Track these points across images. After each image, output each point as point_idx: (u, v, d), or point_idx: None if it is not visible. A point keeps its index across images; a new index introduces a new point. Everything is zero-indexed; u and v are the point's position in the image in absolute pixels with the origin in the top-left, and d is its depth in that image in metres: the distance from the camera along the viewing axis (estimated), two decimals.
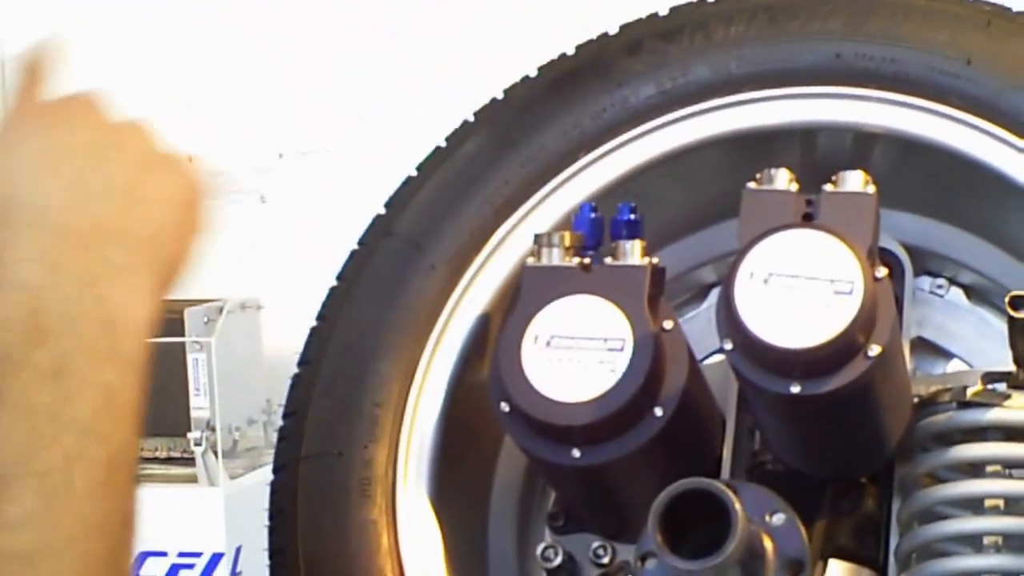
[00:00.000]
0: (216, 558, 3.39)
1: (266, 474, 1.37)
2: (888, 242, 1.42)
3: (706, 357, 1.36)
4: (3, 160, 0.89)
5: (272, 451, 1.40)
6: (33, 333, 0.83)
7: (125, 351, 0.86)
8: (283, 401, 1.41)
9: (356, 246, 1.42)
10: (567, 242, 1.24)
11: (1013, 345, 1.23)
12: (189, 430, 3.42)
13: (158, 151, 0.93)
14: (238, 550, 3.36)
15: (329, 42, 3.31)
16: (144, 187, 0.90)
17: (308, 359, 1.39)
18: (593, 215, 1.30)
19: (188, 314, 3.47)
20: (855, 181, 1.15)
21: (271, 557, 1.32)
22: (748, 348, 1.11)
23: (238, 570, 3.38)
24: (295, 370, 1.40)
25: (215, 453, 3.42)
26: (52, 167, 0.89)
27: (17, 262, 0.84)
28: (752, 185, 1.18)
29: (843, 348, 1.09)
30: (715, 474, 1.29)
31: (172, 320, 3.42)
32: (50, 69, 0.96)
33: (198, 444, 3.40)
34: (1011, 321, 1.21)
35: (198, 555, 3.41)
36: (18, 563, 0.80)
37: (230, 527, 3.36)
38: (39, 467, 0.81)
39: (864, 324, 1.10)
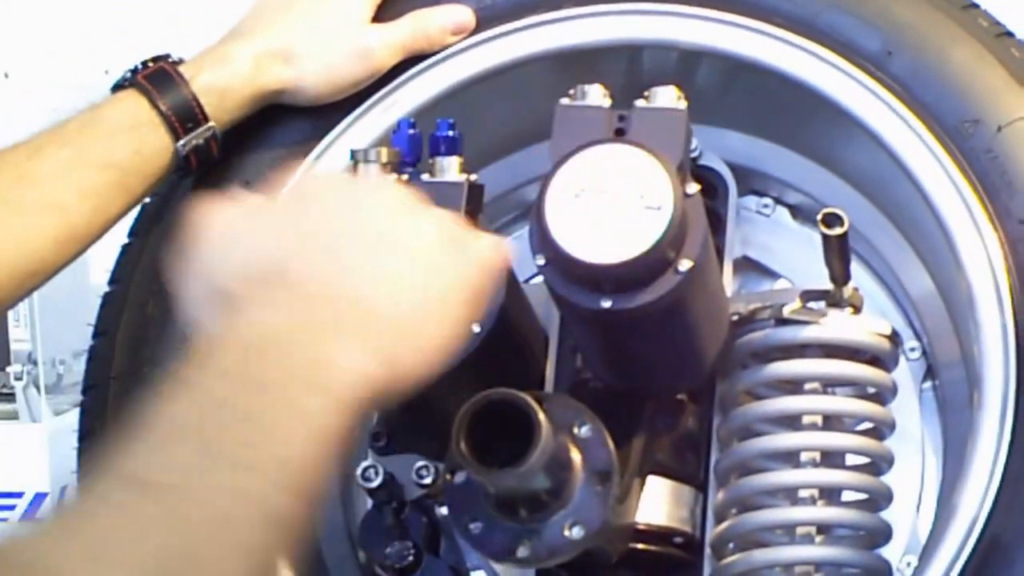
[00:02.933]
0: (39, 498, 3.38)
1: None
2: (713, 160, 1.49)
3: (531, 277, 1.41)
4: (288, 232, 0.96)
5: None
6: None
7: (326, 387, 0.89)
8: None
9: None
10: (384, 158, 1.28)
11: (828, 263, 1.31)
12: (8, 364, 3.41)
13: (446, 255, 0.98)
14: (63, 490, 3.37)
15: None
16: (414, 291, 0.95)
17: (119, 277, 1.44)
18: (412, 131, 1.34)
19: None
20: (667, 97, 1.20)
21: (80, 481, 1.37)
22: (559, 263, 1.17)
23: None
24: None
25: (37, 388, 3.41)
26: (331, 250, 0.94)
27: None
28: (565, 101, 1.23)
29: (653, 263, 1.15)
30: None
31: None
32: None
33: (19, 378, 3.38)
34: (825, 239, 1.28)
35: (19, 495, 3.40)
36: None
37: (54, 466, 3.36)
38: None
39: (674, 239, 1.15)
